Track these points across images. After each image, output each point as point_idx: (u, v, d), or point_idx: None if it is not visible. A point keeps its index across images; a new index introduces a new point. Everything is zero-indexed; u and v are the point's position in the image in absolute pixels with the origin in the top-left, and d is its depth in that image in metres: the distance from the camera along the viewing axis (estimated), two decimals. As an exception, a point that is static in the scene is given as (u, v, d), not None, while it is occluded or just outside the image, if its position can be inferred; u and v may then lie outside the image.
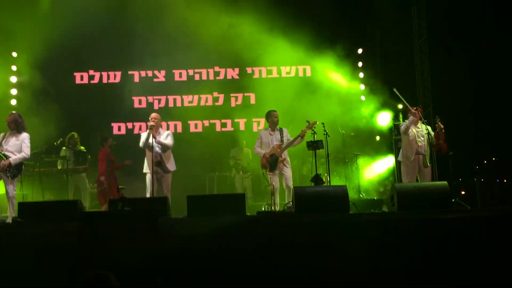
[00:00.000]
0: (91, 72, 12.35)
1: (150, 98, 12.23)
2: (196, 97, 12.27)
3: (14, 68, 11.86)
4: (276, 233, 6.08)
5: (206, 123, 12.17)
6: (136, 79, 12.33)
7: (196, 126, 12.21)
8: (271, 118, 8.72)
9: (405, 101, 8.55)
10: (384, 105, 11.33)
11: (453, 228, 6.04)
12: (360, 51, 12.50)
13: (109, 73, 12.35)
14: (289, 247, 5.89)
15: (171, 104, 12.28)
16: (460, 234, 5.98)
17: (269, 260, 5.82)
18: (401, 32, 12.12)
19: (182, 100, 12.35)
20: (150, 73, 12.35)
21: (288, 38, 11.07)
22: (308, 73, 12.31)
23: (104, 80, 12.35)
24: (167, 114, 11.23)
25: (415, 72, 12.12)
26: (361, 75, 12.29)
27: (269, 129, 8.73)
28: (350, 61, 11.83)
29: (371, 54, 12.66)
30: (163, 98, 12.28)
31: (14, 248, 5.74)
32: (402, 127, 8.52)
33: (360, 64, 12.40)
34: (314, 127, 8.46)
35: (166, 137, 8.31)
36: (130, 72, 12.28)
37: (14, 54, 11.82)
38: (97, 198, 9.47)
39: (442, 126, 8.34)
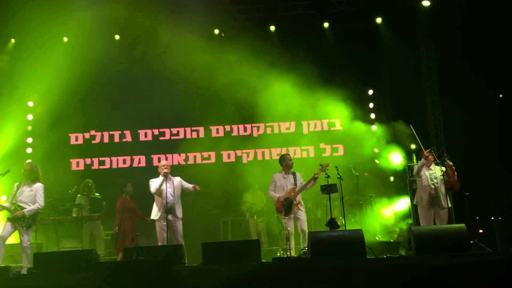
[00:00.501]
0: (104, 133, 12.43)
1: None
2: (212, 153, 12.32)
3: (30, 117, 12.03)
4: (293, 280, 6.01)
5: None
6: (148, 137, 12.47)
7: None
8: (286, 162, 8.74)
9: (419, 142, 8.55)
10: (396, 145, 11.34)
11: (473, 272, 5.93)
12: (370, 92, 12.59)
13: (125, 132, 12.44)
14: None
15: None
16: (481, 279, 5.86)
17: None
18: (411, 73, 12.21)
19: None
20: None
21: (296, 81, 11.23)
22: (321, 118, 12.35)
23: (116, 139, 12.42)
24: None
25: (427, 113, 12.12)
26: (373, 116, 12.33)
27: (283, 172, 8.73)
28: (361, 103, 11.92)
29: (382, 96, 12.74)
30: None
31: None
32: (415, 170, 8.51)
33: (371, 105, 12.46)
34: (327, 170, 8.45)
35: (179, 182, 8.37)
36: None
37: (30, 104, 12.02)
38: (112, 245, 9.46)
39: (451, 164, 8.29)
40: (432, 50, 12.25)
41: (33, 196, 7.87)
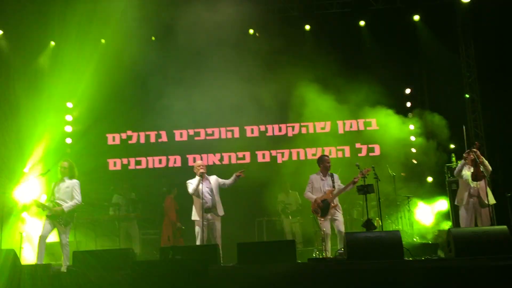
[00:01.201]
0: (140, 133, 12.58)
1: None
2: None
3: (69, 118, 12.29)
4: (328, 281, 5.95)
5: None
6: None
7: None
8: (323, 163, 8.66)
9: (465, 142, 8.36)
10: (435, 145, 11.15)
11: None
12: (408, 91, 12.37)
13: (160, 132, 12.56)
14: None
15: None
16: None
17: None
18: (449, 71, 11.93)
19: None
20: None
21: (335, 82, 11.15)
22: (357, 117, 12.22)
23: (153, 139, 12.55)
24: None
25: (466, 112, 11.83)
26: (410, 115, 12.10)
27: (321, 174, 8.65)
28: (398, 102, 11.74)
29: (420, 94, 12.51)
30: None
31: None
32: (456, 170, 8.37)
33: (408, 104, 12.24)
34: (368, 175, 8.32)
35: (216, 181, 8.40)
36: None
37: (69, 105, 12.28)
38: (148, 245, 9.59)
39: (475, 153, 7.99)
40: (471, 47, 11.94)
41: (70, 192, 8.01)
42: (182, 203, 9.64)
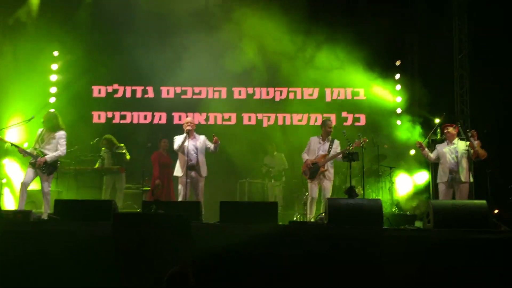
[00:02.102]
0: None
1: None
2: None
3: (54, 66, 12.05)
4: (307, 244, 6.04)
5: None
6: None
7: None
8: (325, 128, 8.63)
9: (461, 131, 8.35)
10: (420, 119, 11.21)
11: (490, 249, 5.91)
12: (398, 63, 12.33)
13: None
14: (320, 258, 5.84)
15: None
16: (498, 256, 5.84)
17: (300, 270, 5.78)
18: (442, 45, 11.89)
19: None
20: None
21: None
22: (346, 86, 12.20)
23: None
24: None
25: (454, 87, 11.87)
26: (398, 87, 12.11)
27: (321, 137, 8.64)
28: (387, 73, 11.73)
29: (410, 67, 12.50)
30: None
31: (50, 245, 5.81)
32: (428, 158, 8.49)
33: (397, 76, 12.22)
34: (364, 144, 8.35)
35: (204, 141, 8.36)
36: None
37: (55, 53, 12.03)
38: (131, 198, 9.57)
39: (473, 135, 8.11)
40: (465, 22, 11.87)
41: (55, 143, 7.94)
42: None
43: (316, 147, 8.54)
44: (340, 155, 8.34)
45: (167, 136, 9.74)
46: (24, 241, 5.90)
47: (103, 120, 12.11)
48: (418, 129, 11.04)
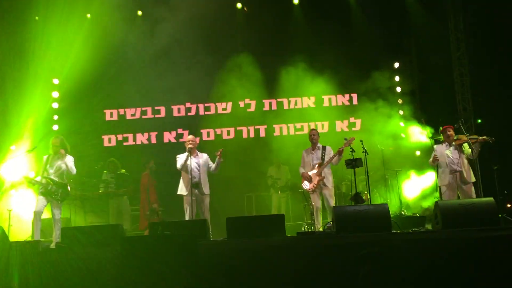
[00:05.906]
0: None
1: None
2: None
3: (55, 94, 12.12)
4: (317, 254, 6.00)
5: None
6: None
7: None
8: (309, 137, 8.69)
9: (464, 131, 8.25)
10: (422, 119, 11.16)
11: (501, 246, 5.84)
12: (396, 65, 12.33)
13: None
14: (331, 267, 5.80)
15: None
16: (510, 253, 5.76)
17: (310, 281, 5.74)
18: (439, 45, 11.89)
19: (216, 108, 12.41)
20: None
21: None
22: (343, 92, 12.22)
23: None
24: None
25: (455, 86, 11.83)
26: (399, 89, 12.10)
27: (310, 148, 8.66)
28: (386, 76, 11.71)
29: (409, 68, 12.49)
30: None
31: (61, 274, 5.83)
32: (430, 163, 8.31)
33: (397, 78, 12.21)
34: (352, 144, 8.35)
35: (206, 160, 8.36)
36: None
37: (56, 81, 12.10)
38: (137, 221, 9.58)
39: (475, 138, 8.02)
40: (460, 21, 11.87)
41: (64, 168, 7.99)
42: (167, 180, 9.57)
43: (310, 158, 8.56)
44: (335, 161, 8.36)
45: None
46: (35, 270, 5.93)
47: (110, 143, 12.20)
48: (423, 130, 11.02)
